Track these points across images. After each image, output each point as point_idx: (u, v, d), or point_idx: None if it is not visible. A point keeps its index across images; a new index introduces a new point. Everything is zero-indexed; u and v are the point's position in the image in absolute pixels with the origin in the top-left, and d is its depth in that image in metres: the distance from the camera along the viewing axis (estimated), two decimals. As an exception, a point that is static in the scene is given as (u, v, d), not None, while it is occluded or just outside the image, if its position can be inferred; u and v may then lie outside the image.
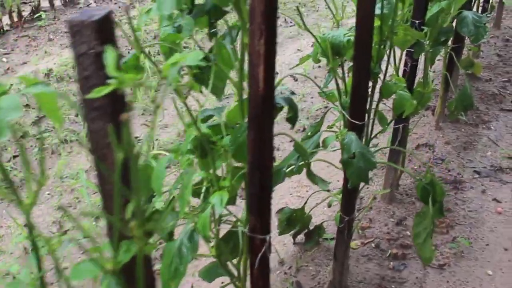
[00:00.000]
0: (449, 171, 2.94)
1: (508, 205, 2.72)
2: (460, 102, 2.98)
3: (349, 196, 1.96)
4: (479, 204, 2.71)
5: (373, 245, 2.42)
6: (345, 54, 1.72)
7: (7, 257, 2.42)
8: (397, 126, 2.45)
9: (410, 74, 2.30)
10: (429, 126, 3.34)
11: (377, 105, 1.83)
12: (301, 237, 2.43)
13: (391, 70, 1.91)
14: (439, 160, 3.02)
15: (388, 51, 1.75)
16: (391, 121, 1.86)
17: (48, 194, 2.87)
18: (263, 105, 1.18)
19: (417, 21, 2.16)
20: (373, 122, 1.86)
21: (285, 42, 4.88)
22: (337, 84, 1.79)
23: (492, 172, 2.95)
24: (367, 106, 1.82)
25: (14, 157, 3.14)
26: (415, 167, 2.98)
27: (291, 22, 5.37)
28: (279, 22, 5.30)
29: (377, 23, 1.70)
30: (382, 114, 1.80)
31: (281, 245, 2.43)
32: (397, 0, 1.66)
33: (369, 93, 1.80)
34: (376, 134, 1.90)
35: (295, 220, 2.29)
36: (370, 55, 1.66)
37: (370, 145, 1.94)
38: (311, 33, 1.70)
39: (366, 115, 1.84)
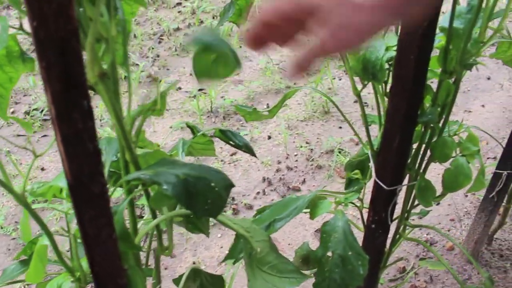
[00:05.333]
0: None
1: None
2: None
3: (371, 266, 1.34)
4: None
5: (418, 320, 1.77)
6: (382, 79, 1.05)
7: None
8: (500, 172, 1.69)
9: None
10: None
11: (424, 167, 1.14)
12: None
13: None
14: None
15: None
16: (441, 196, 1.15)
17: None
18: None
19: None
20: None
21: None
22: (366, 124, 1.13)
23: None
24: (413, 165, 1.15)
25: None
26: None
27: None
28: None
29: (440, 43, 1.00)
30: (428, 184, 1.10)
31: None
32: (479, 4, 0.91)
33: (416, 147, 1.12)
34: (413, 207, 1.21)
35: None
36: (418, 90, 0.98)
37: (412, 219, 1.26)
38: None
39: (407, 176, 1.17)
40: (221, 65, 0.86)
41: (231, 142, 1.22)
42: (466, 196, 2.21)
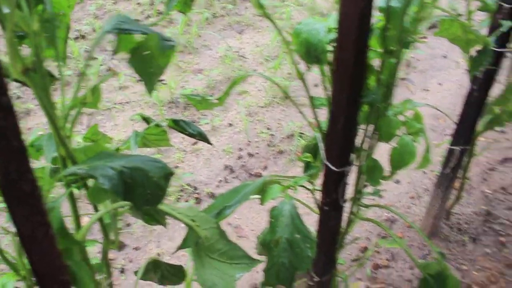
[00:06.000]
0: (535, 207, 2.13)
1: None
2: None
3: (327, 247, 1.35)
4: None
5: (381, 295, 1.80)
6: (325, 61, 1.05)
7: None
8: (454, 147, 1.72)
9: (483, 84, 1.53)
10: (533, 132, 2.46)
11: (372, 147, 1.15)
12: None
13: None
14: (527, 187, 2.21)
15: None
16: (390, 175, 1.17)
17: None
18: None
19: (506, 4, 1.37)
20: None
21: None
22: (313, 107, 1.14)
23: None
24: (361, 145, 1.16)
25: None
26: (486, 195, 2.20)
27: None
28: None
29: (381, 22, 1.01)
30: (376, 163, 1.12)
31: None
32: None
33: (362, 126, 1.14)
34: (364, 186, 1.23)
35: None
36: (359, 72, 0.99)
37: (367, 198, 1.27)
38: (271, 20, 1.05)
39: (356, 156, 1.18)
40: (158, 55, 0.85)
41: (185, 131, 1.21)
42: (425, 173, 2.26)
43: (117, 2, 3.81)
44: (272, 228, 0.98)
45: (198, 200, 2.12)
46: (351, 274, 1.80)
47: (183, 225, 2.06)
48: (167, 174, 0.76)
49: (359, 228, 1.99)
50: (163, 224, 1.09)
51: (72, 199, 0.82)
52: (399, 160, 1.07)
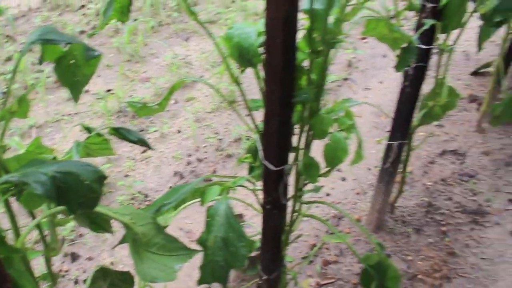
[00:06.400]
0: (474, 194, 2.23)
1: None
2: (510, 106, 2.21)
3: (272, 245, 1.39)
4: (499, 251, 2.03)
5: (331, 290, 1.86)
6: (257, 64, 1.09)
7: None
8: (391, 142, 1.80)
9: (414, 80, 1.61)
10: (468, 125, 2.58)
11: (307, 145, 1.20)
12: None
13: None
14: (465, 177, 2.31)
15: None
16: (328, 171, 1.22)
17: None
18: None
19: (429, 3, 1.44)
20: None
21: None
22: (249, 109, 1.18)
23: (533, 206, 2.22)
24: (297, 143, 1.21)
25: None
26: (428, 186, 2.29)
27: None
28: None
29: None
30: (312, 161, 1.17)
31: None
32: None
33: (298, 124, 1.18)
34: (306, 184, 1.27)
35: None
36: (288, 73, 1.03)
37: (309, 195, 1.32)
38: (203, 26, 1.08)
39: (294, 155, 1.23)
40: (83, 65, 0.87)
41: (126, 139, 1.23)
42: (369, 169, 2.33)
43: (62, 14, 3.77)
44: (208, 227, 1.01)
45: (149, 208, 2.13)
46: (300, 271, 1.85)
47: (134, 233, 2.06)
48: (100, 177, 0.78)
49: (307, 226, 2.04)
50: (109, 231, 1.10)
51: (9, 209, 0.83)
52: (333, 156, 1.12)
